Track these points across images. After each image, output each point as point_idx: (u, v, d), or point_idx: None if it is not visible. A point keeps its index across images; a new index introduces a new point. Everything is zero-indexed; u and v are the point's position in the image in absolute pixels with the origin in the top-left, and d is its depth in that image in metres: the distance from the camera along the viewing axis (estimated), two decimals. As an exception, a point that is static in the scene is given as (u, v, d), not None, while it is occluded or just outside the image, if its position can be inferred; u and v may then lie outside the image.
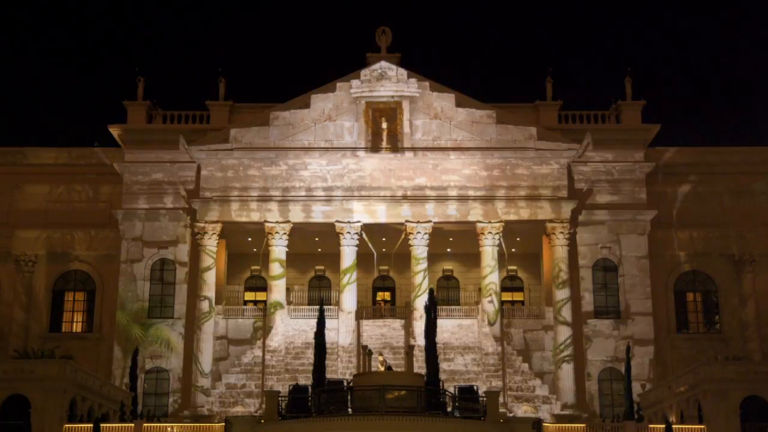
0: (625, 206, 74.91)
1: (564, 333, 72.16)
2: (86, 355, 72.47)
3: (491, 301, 72.25)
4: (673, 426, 56.21)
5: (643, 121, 77.25)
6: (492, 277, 72.83)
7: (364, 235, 73.86)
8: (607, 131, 76.52)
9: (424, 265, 73.13)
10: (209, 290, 72.86)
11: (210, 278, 73.08)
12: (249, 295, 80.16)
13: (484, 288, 72.94)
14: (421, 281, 72.60)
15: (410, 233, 73.28)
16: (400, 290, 79.96)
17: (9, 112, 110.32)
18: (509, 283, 79.69)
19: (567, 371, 71.26)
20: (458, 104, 75.23)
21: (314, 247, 78.26)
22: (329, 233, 74.21)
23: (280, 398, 53.52)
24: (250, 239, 76.34)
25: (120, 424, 56.61)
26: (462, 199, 73.51)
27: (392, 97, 74.80)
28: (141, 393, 68.51)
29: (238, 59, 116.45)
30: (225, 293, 77.65)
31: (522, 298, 79.90)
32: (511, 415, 62.22)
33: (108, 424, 56.44)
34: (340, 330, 72.01)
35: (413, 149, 74.20)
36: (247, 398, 68.64)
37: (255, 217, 73.60)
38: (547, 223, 73.42)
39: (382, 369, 58.08)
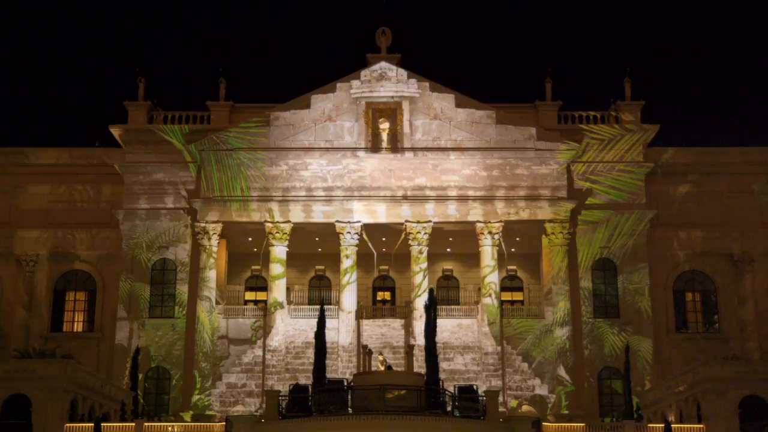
0: (625, 206, 74.91)
1: (563, 332, 72.34)
2: (87, 354, 72.67)
3: (491, 301, 72.44)
4: (672, 425, 56.33)
5: (643, 121, 77.25)
6: (492, 277, 73.00)
7: (364, 235, 74.01)
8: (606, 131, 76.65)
9: (424, 264, 73.29)
10: (210, 290, 73.08)
11: (210, 278, 73.30)
12: (249, 295, 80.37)
13: (483, 288, 73.13)
14: (421, 281, 72.77)
15: (410, 233, 73.42)
16: (400, 290, 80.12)
17: (10, 112, 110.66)
18: (509, 283, 79.85)
19: (566, 371, 71.39)
20: (458, 104, 75.36)
21: (314, 247, 78.42)
22: (329, 233, 74.37)
23: (280, 398, 53.65)
24: (250, 239, 76.50)
25: (121, 424, 56.81)
26: (462, 199, 73.66)
27: (392, 97, 74.97)
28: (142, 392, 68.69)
29: (238, 59, 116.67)
30: (225, 293, 77.86)
31: (522, 298, 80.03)
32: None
33: (109, 424, 56.64)
34: (341, 330, 72.17)
35: (413, 149, 74.35)
36: (248, 397, 68.78)
37: (255, 217, 73.78)
38: (546, 223, 73.55)
39: (382, 368, 58.22)
